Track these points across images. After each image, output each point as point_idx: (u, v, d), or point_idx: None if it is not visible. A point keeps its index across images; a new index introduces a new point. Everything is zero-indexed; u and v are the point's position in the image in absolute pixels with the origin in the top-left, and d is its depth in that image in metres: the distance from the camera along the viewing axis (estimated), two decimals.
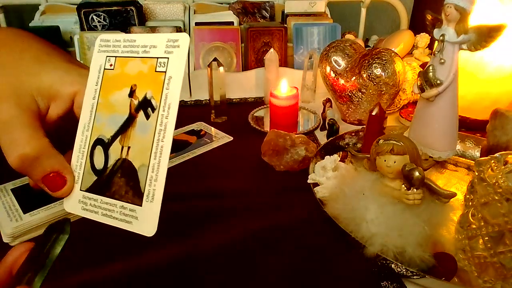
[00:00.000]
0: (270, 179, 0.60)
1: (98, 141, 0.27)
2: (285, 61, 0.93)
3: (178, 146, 0.69)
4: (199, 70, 0.88)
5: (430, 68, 0.53)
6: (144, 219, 0.25)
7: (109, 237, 0.40)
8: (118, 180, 0.26)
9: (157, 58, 0.26)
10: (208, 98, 0.79)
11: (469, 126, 0.71)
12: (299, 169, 0.60)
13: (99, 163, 0.27)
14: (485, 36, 0.49)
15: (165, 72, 0.25)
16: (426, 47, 0.97)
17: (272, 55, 0.83)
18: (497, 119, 0.54)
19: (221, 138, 0.72)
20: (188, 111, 0.83)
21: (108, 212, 0.26)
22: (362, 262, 0.41)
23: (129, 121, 0.26)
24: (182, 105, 0.86)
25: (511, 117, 0.52)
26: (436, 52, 0.53)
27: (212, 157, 0.66)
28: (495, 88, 0.67)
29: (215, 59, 0.74)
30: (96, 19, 0.89)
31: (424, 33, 0.96)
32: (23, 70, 0.30)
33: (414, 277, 0.39)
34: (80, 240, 0.44)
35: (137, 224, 0.25)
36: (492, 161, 0.39)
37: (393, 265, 0.39)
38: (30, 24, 0.93)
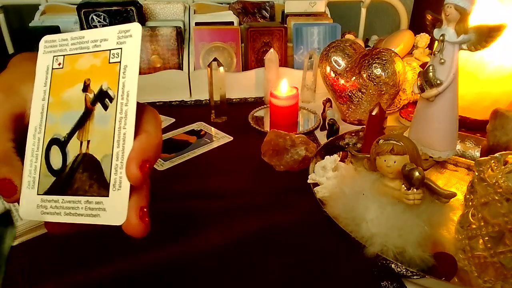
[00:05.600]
0: (270, 179, 0.60)
1: (54, 141, 0.26)
2: (285, 61, 0.93)
3: (178, 146, 0.69)
4: (199, 70, 0.88)
5: (430, 68, 0.53)
6: (112, 209, 0.24)
7: (109, 237, 0.40)
8: (80, 176, 0.25)
9: (110, 50, 0.25)
10: (208, 98, 0.79)
11: (469, 126, 0.71)
12: (299, 169, 0.60)
13: (56, 163, 0.26)
14: (485, 36, 0.49)
15: (119, 62, 0.25)
16: (426, 47, 0.97)
17: (272, 55, 0.83)
18: (497, 119, 0.54)
19: (221, 138, 0.72)
20: (188, 111, 0.83)
21: (72, 210, 0.25)
22: (362, 262, 0.41)
23: (86, 115, 0.26)
24: (182, 105, 0.86)
25: (511, 117, 0.52)
26: (436, 52, 0.53)
27: (212, 157, 0.66)
28: (495, 88, 0.67)
29: (215, 59, 0.74)
30: (96, 19, 0.89)
31: (424, 33, 0.96)
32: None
33: (414, 277, 0.39)
34: (80, 240, 0.45)
35: (104, 216, 0.24)
36: (492, 161, 0.39)
37: (393, 265, 0.39)
38: (30, 24, 0.93)
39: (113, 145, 0.24)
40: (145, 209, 0.24)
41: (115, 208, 0.24)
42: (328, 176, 0.53)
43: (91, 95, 0.26)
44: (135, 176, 0.23)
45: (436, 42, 0.54)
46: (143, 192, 0.24)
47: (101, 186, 0.24)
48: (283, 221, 0.49)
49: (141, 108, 0.26)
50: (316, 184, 0.53)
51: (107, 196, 0.24)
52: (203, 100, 0.87)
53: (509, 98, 0.69)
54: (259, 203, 0.53)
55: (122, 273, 0.41)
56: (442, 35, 0.51)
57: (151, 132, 0.25)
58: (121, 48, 0.25)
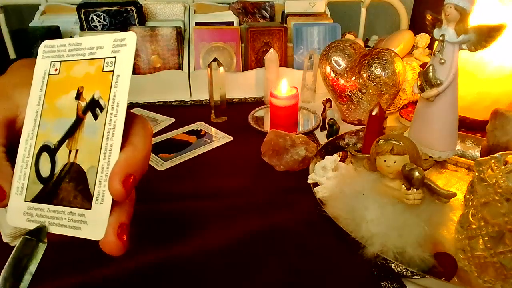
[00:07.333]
0: (270, 179, 0.60)
1: (44, 148, 0.26)
2: (285, 61, 0.93)
3: (178, 146, 0.69)
4: (199, 70, 0.88)
5: (430, 68, 0.53)
6: (93, 223, 0.23)
7: None
8: (66, 186, 0.25)
9: (104, 58, 0.25)
10: (208, 98, 0.79)
11: (469, 126, 0.71)
12: (299, 169, 0.60)
13: (45, 170, 0.26)
14: (485, 36, 0.49)
15: (112, 71, 0.25)
16: (426, 47, 0.97)
17: (272, 55, 0.83)
18: (497, 119, 0.54)
19: (221, 138, 0.72)
20: (188, 111, 0.83)
21: (56, 220, 0.24)
22: (362, 262, 0.41)
23: (77, 124, 0.25)
24: (182, 105, 0.86)
25: (511, 117, 0.52)
26: (436, 52, 0.53)
27: (212, 157, 0.66)
28: (495, 88, 0.67)
29: (215, 59, 0.74)
30: (96, 19, 0.89)
31: (424, 33, 0.96)
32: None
33: (414, 277, 0.39)
34: (79, 241, 0.45)
35: (86, 229, 0.23)
36: (492, 161, 0.39)
37: (393, 265, 0.39)
38: (30, 24, 0.93)
39: (99, 157, 0.24)
40: (124, 226, 0.23)
41: (95, 222, 0.23)
42: (328, 176, 0.53)
43: (83, 104, 0.25)
44: (117, 190, 0.22)
45: (436, 42, 0.54)
46: (125, 207, 0.24)
47: (84, 198, 0.24)
48: (283, 221, 0.49)
49: (130, 117, 0.25)
50: (316, 184, 0.53)
51: (90, 209, 0.23)
52: (203, 100, 0.87)
53: (509, 98, 0.69)
54: (259, 203, 0.53)
55: (121, 273, 0.41)
56: (442, 35, 0.51)
57: (138, 145, 0.24)
58: (115, 57, 0.25)
